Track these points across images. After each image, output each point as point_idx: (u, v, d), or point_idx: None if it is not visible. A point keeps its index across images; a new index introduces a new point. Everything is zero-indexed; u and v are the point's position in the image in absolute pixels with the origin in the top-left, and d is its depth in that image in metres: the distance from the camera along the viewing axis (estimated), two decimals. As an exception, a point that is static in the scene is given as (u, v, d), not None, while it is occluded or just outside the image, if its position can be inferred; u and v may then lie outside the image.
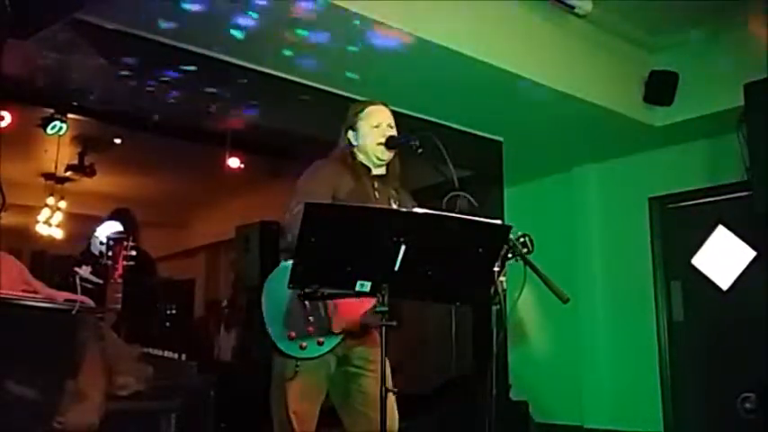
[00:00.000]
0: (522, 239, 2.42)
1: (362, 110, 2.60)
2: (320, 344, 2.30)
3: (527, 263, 2.33)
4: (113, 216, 3.89)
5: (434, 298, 2.30)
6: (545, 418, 5.51)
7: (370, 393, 2.31)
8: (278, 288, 2.27)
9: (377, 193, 2.53)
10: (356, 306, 2.28)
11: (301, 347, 2.29)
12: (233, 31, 3.61)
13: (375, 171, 2.59)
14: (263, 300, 2.32)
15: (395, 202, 2.56)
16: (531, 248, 2.43)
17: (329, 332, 2.30)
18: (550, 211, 5.80)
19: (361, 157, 2.59)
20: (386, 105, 2.64)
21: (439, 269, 2.03)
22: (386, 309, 2.02)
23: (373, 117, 2.58)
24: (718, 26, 4.59)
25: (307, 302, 2.27)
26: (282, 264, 2.32)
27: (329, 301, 2.28)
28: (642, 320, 5.35)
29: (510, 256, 2.35)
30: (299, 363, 2.28)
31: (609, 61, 4.69)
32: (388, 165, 2.61)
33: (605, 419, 5.32)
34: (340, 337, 2.31)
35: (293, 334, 2.29)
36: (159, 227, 8.98)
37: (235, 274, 6.68)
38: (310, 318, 2.29)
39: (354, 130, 2.58)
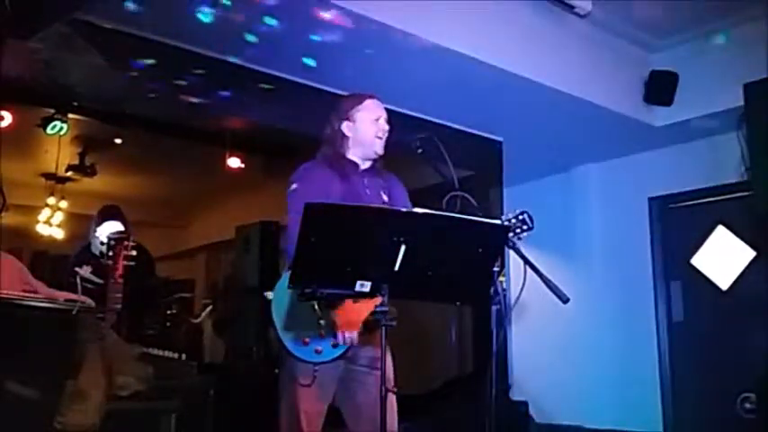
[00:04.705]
0: (521, 216, 2.40)
1: (361, 102, 2.58)
2: (335, 346, 2.31)
3: (527, 263, 2.33)
4: (103, 213, 3.86)
5: (434, 298, 2.31)
6: (545, 418, 5.51)
7: (374, 393, 2.31)
8: (286, 296, 2.28)
9: (368, 191, 2.52)
10: (357, 309, 2.28)
11: (317, 351, 2.29)
12: (232, 30, 3.61)
13: (363, 166, 2.58)
14: (273, 309, 2.32)
15: (384, 193, 2.56)
16: (531, 225, 2.41)
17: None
18: (550, 212, 5.79)
19: (353, 151, 2.57)
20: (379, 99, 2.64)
21: (439, 269, 2.03)
22: (387, 308, 2.02)
23: (373, 111, 2.57)
24: (718, 26, 4.59)
25: (317, 307, 2.27)
26: (286, 274, 2.30)
27: (331, 309, 2.27)
28: (642, 320, 5.34)
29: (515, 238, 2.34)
30: (317, 368, 2.28)
31: (609, 61, 4.68)
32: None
33: (605, 419, 5.31)
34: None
35: (307, 339, 2.29)
36: (159, 227, 8.99)
37: (234, 274, 6.68)
38: (321, 321, 2.28)
39: (352, 121, 2.56)
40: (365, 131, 2.54)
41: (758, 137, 4.14)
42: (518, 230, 2.38)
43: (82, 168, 6.79)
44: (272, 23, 3.53)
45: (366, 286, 2.00)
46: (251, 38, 3.66)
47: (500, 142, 5.28)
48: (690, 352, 5.16)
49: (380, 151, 2.56)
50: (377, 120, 2.56)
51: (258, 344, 5.55)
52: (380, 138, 2.54)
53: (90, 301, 3.19)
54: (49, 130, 5.16)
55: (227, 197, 8.21)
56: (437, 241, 1.99)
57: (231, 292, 6.70)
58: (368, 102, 2.58)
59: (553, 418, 5.53)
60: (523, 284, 2.31)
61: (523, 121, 4.85)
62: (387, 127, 2.57)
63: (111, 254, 3.13)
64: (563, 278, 2.46)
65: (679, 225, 5.35)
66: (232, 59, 3.90)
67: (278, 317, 2.31)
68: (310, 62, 3.93)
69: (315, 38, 3.67)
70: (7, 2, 2.48)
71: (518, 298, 2.38)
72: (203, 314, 6.82)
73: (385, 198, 2.54)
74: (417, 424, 4.24)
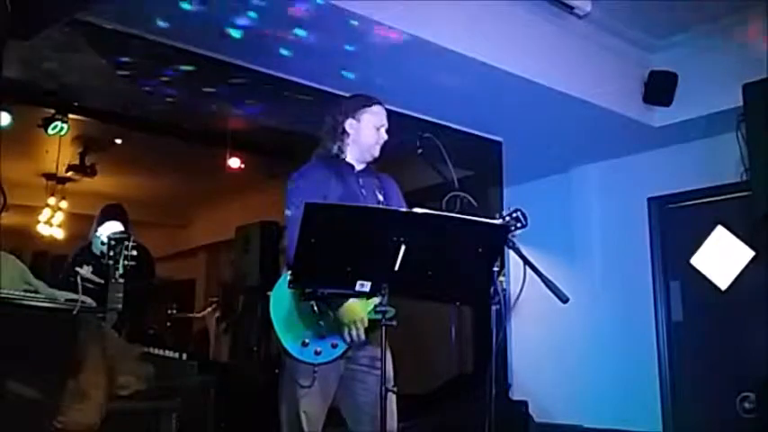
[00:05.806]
0: (515, 214, 2.41)
1: (370, 105, 2.60)
2: (334, 347, 2.31)
3: (527, 262, 2.34)
4: (105, 213, 3.86)
5: (434, 298, 2.32)
6: (545, 417, 5.51)
7: (375, 392, 2.31)
8: (285, 297, 2.28)
9: (363, 191, 2.54)
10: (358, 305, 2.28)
11: (316, 353, 2.29)
12: (232, 31, 3.61)
13: (358, 167, 2.61)
14: (272, 310, 2.32)
15: (379, 193, 2.58)
16: (524, 222, 2.41)
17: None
18: (550, 212, 5.80)
19: (350, 149, 2.59)
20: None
21: (439, 269, 2.03)
22: (386, 308, 2.03)
23: (378, 117, 2.60)
24: (717, 26, 4.59)
25: (316, 307, 2.27)
26: (285, 275, 2.31)
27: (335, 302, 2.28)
28: (642, 320, 5.35)
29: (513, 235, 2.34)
30: (316, 369, 2.29)
31: (609, 61, 4.69)
32: None
33: (605, 419, 5.32)
34: None
35: (306, 341, 2.29)
36: (159, 227, 8.99)
37: (234, 274, 6.68)
38: (321, 322, 2.29)
39: (357, 120, 2.58)
40: (366, 135, 2.57)
41: (757, 137, 4.15)
42: (512, 228, 2.39)
43: (82, 168, 6.78)
44: (269, 23, 3.54)
45: (366, 286, 2.01)
46: (250, 38, 3.66)
47: (500, 142, 5.29)
48: (689, 352, 5.16)
49: (376, 154, 2.60)
50: (379, 128, 2.59)
51: (259, 344, 5.55)
52: (379, 144, 2.58)
53: (90, 301, 3.19)
54: (50, 131, 5.16)
55: (227, 197, 8.21)
56: (437, 241, 2.00)
57: (232, 293, 6.71)
58: (376, 107, 2.61)
59: (553, 417, 5.53)
60: (523, 284, 2.32)
61: (523, 121, 4.85)
62: (386, 137, 2.60)
63: (111, 254, 3.13)
64: (563, 278, 2.46)
65: (678, 225, 5.36)
66: (231, 60, 3.90)
67: (277, 318, 2.32)
68: (310, 62, 3.94)
69: (315, 38, 3.67)
70: (7, 2, 2.47)
71: (518, 298, 2.39)
72: (208, 309, 6.83)
73: (380, 197, 2.56)
74: (417, 424, 4.24)
